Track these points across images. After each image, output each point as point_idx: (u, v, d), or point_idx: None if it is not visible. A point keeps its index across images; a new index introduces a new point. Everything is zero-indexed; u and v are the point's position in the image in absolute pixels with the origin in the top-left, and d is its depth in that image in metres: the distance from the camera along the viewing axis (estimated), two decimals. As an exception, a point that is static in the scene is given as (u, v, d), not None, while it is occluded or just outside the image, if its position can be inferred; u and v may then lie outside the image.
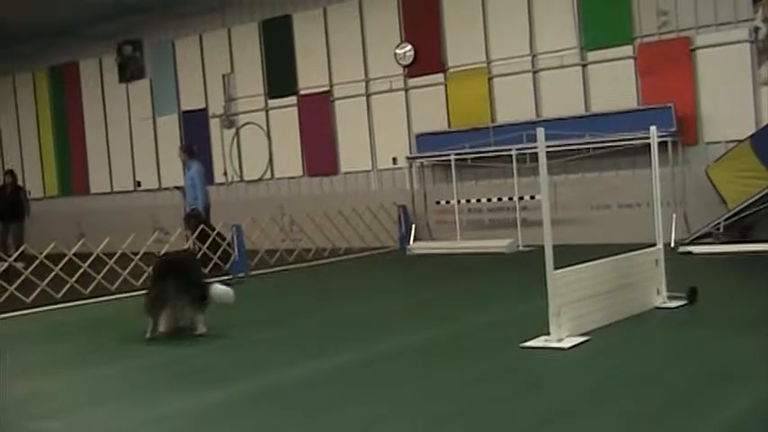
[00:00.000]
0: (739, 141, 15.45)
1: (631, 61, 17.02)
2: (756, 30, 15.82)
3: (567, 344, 7.60)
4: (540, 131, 7.68)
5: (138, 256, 15.30)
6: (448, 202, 18.83)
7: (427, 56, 19.38)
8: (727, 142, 15.83)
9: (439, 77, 19.31)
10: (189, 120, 23.38)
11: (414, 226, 19.14)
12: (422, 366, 7.42)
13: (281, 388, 6.88)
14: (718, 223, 15.05)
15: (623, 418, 5.39)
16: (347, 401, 6.29)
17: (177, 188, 20.34)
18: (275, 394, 6.70)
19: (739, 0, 15.94)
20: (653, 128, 9.58)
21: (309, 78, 21.19)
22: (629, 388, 6.14)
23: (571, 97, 17.55)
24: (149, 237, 16.37)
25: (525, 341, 7.75)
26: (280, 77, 21.65)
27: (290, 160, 21.70)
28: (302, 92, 21.38)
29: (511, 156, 17.35)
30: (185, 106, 23.45)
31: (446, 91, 19.22)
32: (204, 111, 23.02)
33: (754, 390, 5.87)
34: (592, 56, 17.48)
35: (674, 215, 15.75)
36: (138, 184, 24.71)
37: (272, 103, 21.92)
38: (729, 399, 5.65)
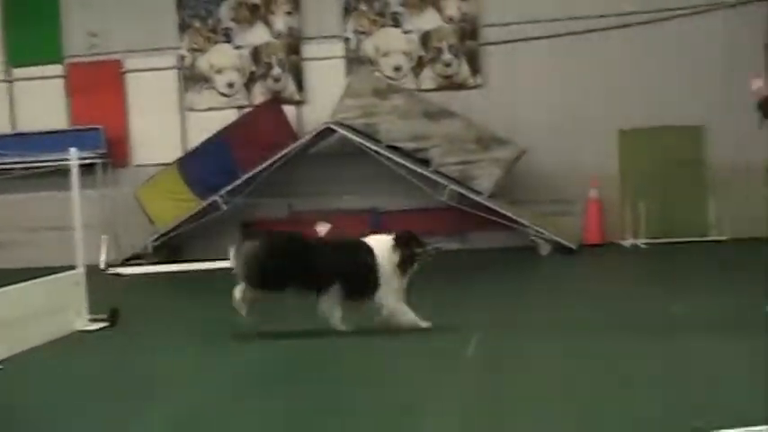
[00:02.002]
0: (167, 164, 15.85)
1: (61, 81, 16.68)
2: (183, 58, 16.40)
3: (-25, 375, 7.12)
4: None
5: None
6: None
7: None
8: (157, 165, 16.11)
9: None
10: None
11: None
12: None
13: None
14: (147, 244, 15.32)
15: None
16: None
17: None
18: None
19: (167, 28, 16.39)
20: (73, 150, 9.48)
21: None
22: (38, 413, 5.94)
23: (-3, 115, 16.74)
24: None
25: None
26: None
27: None
28: None
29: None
30: None
31: None
32: None
33: (174, 398, 5.98)
34: (19, 73, 16.82)
35: (105, 237, 15.67)
36: None
37: None
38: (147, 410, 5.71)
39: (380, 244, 8.06)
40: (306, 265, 8.02)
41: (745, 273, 10.93)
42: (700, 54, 15.19)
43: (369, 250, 8.00)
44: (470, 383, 6.32)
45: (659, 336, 7.47)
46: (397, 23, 16.04)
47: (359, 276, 7.98)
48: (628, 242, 15.07)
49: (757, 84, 7.84)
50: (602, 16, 15.28)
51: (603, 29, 15.30)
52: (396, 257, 7.95)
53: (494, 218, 14.43)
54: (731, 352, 6.81)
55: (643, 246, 14.83)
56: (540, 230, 14.17)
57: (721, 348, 6.95)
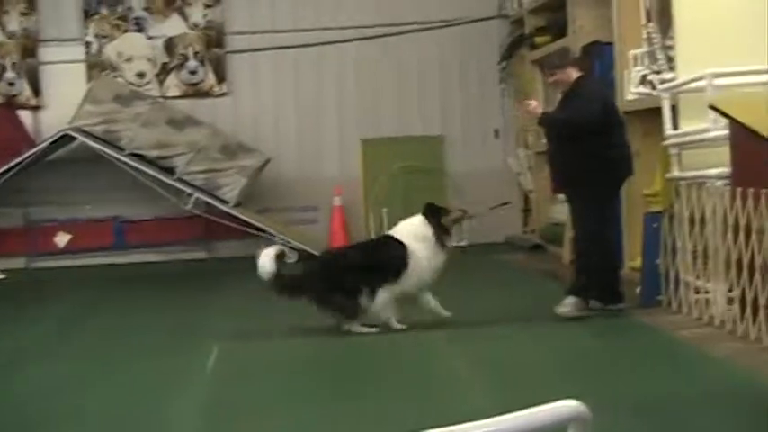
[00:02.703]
0: None
1: None
2: None
3: None
4: None
5: None
6: None
7: None
8: None
9: None
10: None
11: None
12: None
13: None
14: None
15: None
16: None
17: None
18: None
19: None
20: None
21: None
22: None
23: None
24: None
25: None
26: None
27: None
28: None
29: None
30: None
31: None
32: None
33: None
34: None
35: None
36: None
37: None
38: None
39: (410, 230, 7.97)
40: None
41: (475, 276, 11.56)
42: (438, 67, 15.86)
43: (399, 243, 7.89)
44: (211, 397, 6.31)
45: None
46: (140, 29, 15.71)
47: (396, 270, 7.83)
48: (372, 248, 15.45)
49: (531, 104, 8.60)
50: (343, 28, 15.64)
51: (347, 40, 15.67)
52: (430, 235, 7.84)
53: (240, 227, 14.43)
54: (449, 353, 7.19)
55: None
56: (285, 239, 14.29)
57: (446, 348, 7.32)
